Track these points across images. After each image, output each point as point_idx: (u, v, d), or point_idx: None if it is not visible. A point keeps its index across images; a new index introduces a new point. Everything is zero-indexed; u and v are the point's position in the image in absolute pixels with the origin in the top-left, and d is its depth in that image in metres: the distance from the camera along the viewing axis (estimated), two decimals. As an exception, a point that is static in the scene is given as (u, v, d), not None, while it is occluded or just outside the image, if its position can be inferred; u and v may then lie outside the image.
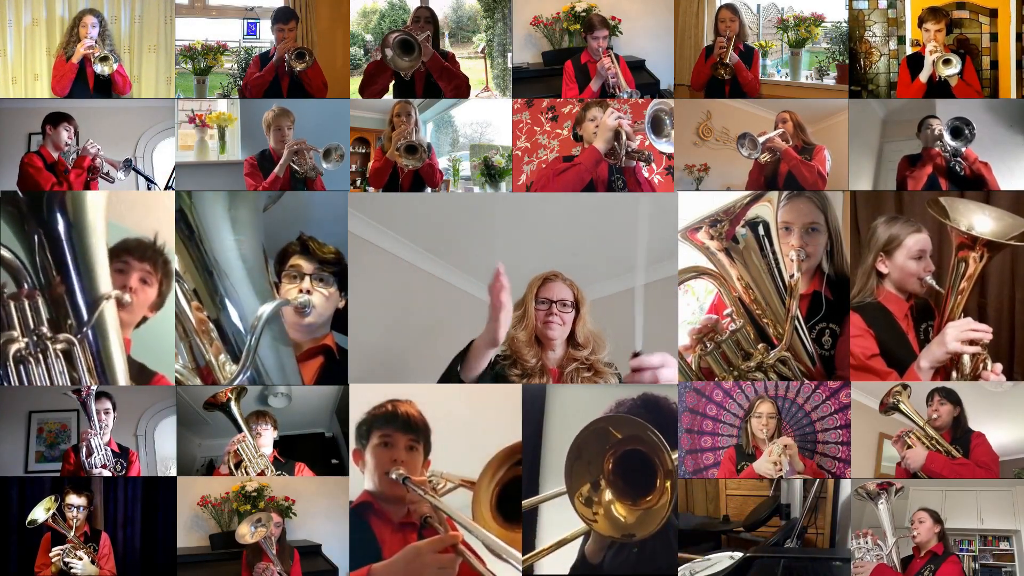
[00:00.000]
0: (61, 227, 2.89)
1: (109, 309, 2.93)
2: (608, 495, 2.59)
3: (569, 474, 2.59)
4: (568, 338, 3.08)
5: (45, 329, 2.88)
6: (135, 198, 3.27)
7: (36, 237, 2.89)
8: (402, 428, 2.76)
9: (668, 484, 2.55)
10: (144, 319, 3.11)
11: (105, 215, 2.96)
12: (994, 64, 3.41)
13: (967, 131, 3.25)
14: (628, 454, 2.59)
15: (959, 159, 3.27)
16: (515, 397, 3.14)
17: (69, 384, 2.93)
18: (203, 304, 2.83)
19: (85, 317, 2.89)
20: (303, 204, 3.30)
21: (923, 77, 3.35)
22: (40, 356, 2.88)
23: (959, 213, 3.03)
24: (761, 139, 3.31)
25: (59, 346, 2.89)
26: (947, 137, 3.26)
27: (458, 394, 3.06)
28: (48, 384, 2.90)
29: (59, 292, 2.89)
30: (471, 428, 3.10)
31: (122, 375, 2.98)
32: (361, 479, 2.78)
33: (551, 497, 2.91)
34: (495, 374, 3.00)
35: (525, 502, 2.93)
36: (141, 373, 3.10)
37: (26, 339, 2.88)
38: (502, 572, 2.42)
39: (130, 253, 3.08)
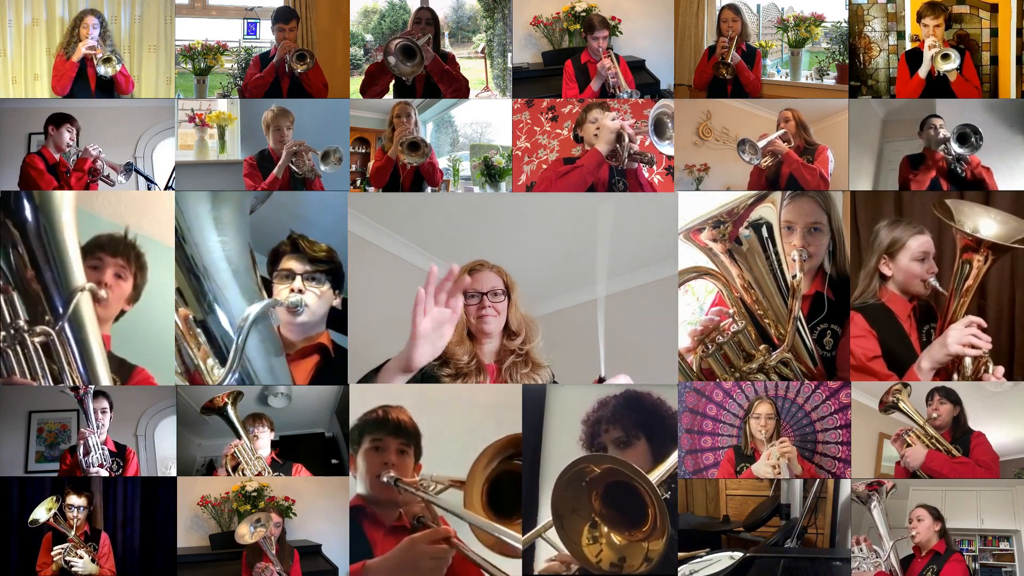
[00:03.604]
0: (31, 224, 2.87)
1: (85, 303, 2.90)
2: (605, 528, 2.63)
3: (560, 528, 2.62)
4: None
5: (22, 322, 2.86)
6: (107, 193, 3.27)
7: (6, 235, 2.88)
8: (393, 432, 2.79)
9: (659, 512, 2.55)
10: (122, 313, 3.09)
11: (75, 208, 2.93)
12: (994, 60, 3.40)
13: (974, 139, 3.25)
14: (613, 487, 2.61)
15: (961, 163, 3.27)
16: (515, 397, 3.14)
17: (51, 378, 2.90)
18: (190, 306, 2.80)
19: (61, 311, 2.87)
20: (296, 203, 3.28)
21: (922, 72, 3.34)
22: (18, 348, 2.87)
23: (964, 215, 3.01)
24: (761, 143, 3.30)
25: (37, 339, 2.86)
26: (954, 144, 3.26)
27: (458, 396, 3.06)
28: (30, 377, 2.88)
29: (34, 288, 2.87)
30: (472, 430, 3.10)
31: (103, 371, 2.96)
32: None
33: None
34: (423, 374, 2.78)
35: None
36: (121, 367, 3.08)
37: (3, 332, 2.87)
38: (499, 563, 2.47)
39: (103, 249, 3.06)
